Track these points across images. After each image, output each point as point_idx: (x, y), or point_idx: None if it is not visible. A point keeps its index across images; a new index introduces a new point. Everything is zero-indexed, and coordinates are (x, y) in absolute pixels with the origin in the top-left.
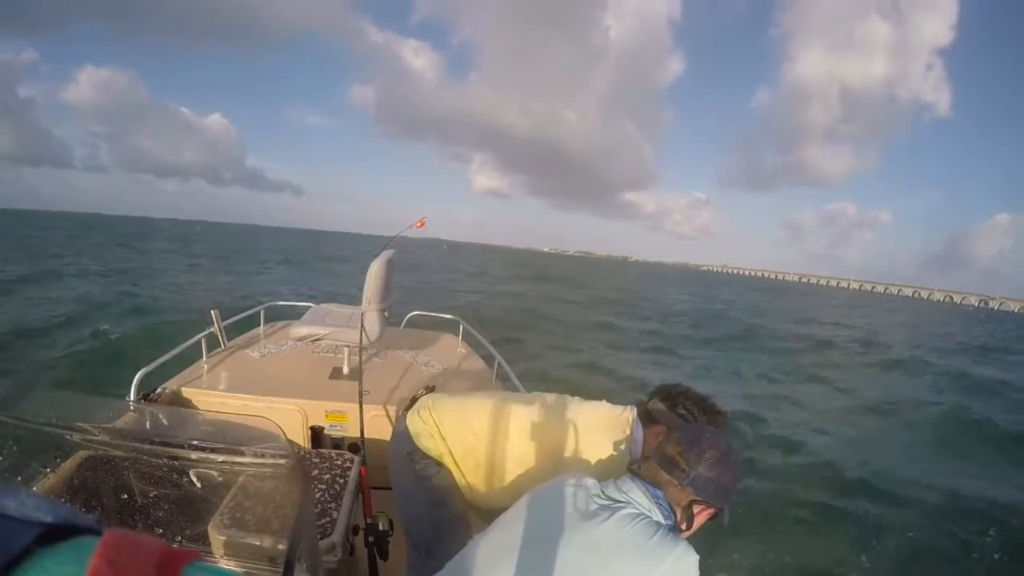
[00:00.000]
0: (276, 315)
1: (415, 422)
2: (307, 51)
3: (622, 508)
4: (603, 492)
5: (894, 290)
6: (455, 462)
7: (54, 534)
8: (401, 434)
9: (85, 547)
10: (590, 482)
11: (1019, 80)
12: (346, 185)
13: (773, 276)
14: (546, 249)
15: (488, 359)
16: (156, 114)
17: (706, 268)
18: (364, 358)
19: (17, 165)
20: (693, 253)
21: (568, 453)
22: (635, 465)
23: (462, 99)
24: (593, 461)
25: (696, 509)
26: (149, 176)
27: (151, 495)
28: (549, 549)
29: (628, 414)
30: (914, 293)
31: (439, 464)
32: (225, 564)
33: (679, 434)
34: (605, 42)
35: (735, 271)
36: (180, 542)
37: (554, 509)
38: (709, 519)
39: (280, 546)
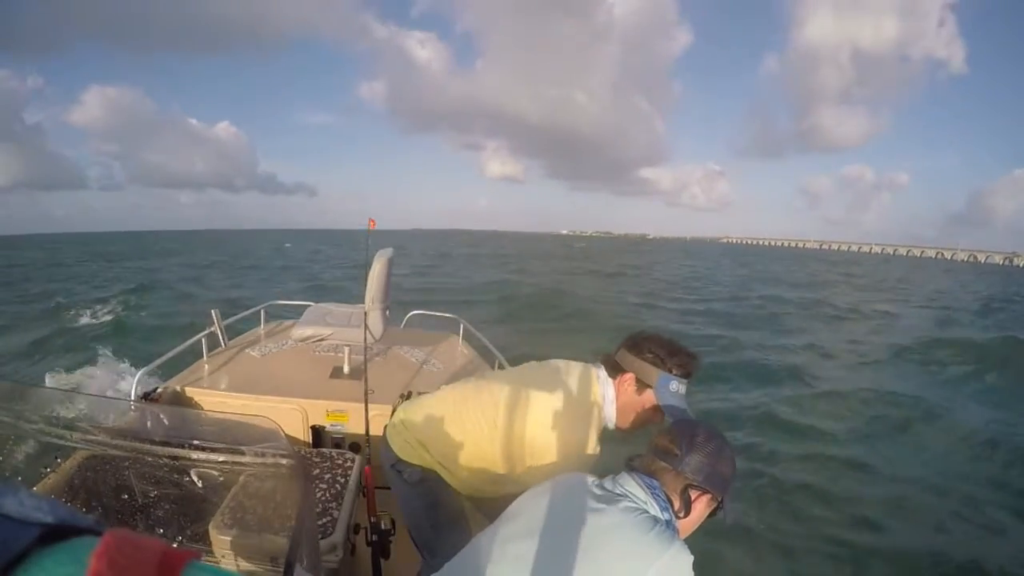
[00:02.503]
0: (276, 314)
1: (393, 435)
2: (313, 53)
3: (620, 502)
4: (601, 486)
5: (917, 252)
6: (441, 466)
7: (54, 534)
8: (384, 448)
9: (85, 547)
10: (588, 478)
11: None
12: (360, 182)
13: (794, 244)
14: (564, 232)
15: (489, 357)
16: (165, 128)
17: (726, 240)
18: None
19: (32, 190)
20: (711, 226)
21: (556, 429)
22: (632, 460)
23: (471, 87)
24: (582, 428)
25: (693, 495)
26: (166, 190)
27: (152, 495)
28: (548, 544)
29: (595, 372)
30: (937, 254)
31: (424, 468)
32: (226, 564)
33: (669, 425)
34: (610, 19)
35: (755, 241)
36: (181, 542)
37: (553, 506)
38: (710, 515)
39: (281, 546)
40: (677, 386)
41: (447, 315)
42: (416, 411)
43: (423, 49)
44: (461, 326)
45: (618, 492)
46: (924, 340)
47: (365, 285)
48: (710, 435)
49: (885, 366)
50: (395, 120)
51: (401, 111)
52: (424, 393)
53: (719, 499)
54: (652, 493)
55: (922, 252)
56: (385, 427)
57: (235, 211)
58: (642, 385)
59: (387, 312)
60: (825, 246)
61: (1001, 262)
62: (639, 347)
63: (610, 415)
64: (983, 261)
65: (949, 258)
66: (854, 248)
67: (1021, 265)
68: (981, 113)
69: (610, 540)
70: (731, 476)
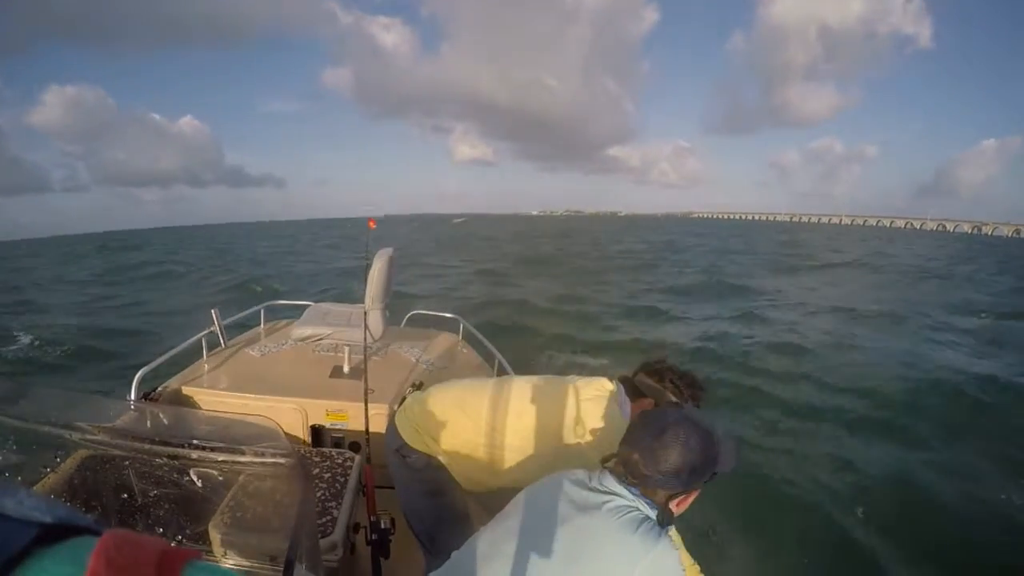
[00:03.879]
0: (276, 314)
1: (402, 421)
2: (276, 42)
3: (611, 500)
4: (596, 484)
5: (887, 222)
6: (447, 456)
7: (53, 534)
8: (390, 432)
9: (84, 547)
10: (581, 474)
11: (997, 4)
12: (328, 170)
13: (764, 218)
14: (535, 212)
15: (488, 357)
16: (128, 124)
17: (697, 215)
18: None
19: None
20: (682, 202)
21: (562, 432)
22: (608, 462)
23: (438, 71)
24: (588, 438)
25: (675, 502)
26: (131, 188)
27: (152, 494)
28: (542, 541)
29: (614, 388)
30: (907, 224)
31: (429, 456)
32: (226, 563)
33: (632, 436)
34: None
35: (726, 216)
36: (181, 541)
37: (548, 503)
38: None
39: (281, 545)
40: None
41: (447, 315)
42: (430, 401)
43: (389, 34)
44: (461, 326)
45: (608, 491)
46: None
47: (365, 285)
48: (673, 438)
49: None
50: (362, 106)
51: (368, 97)
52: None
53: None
54: (636, 496)
55: (891, 222)
56: (393, 413)
57: (203, 206)
58: None
59: (387, 312)
60: (796, 218)
61: (969, 231)
62: (660, 375)
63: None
64: (952, 230)
65: (918, 227)
66: (824, 219)
67: (989, 234)
68: (947, 87)
69: (598, 540)
70: (712, 455)
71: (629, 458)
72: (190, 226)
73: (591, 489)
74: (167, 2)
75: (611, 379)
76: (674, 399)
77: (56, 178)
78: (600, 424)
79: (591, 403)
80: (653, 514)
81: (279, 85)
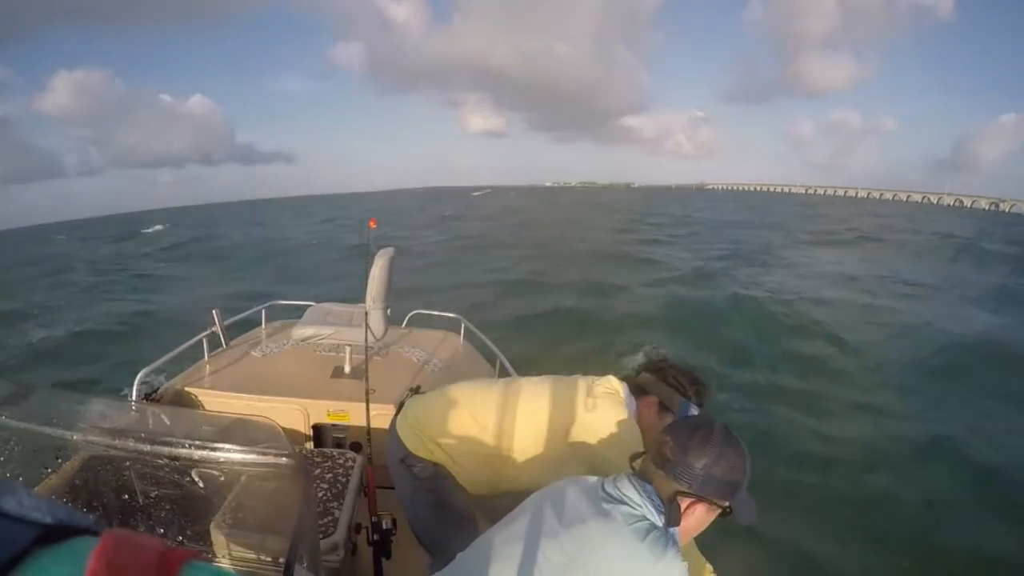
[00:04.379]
0: (277, 315)
1: (403, 428)
2: (284, 17)
3: (618, 507)
4: (603, 489)
5: (903, 196)
6: (452, 460)
7: (53, 535)
8: (393, 441)
9: (83, 547)
10: (591, 480)
11: None
12: (338, 146)
13: (780, 190)
14: (548, 183)
15: (490, 357)
16: (138, 106)
17: (711, 187)
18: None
19: (6, 185)
20: (696, 173)
21: (573, 432)
22: (633, 460)
23: (450, 43)
24: (599, 437)
25: (684, 503)
26: (144, 169)
27: (153, 495)
28: (548, 546)
29: (619, 386)
30: (923, 199)
31: (435, 465)
32: (227, 564)
33: (671, 425)
34: None
35: (741, 187)
36: (182, 542)
37: (554, 509)
38: (721, 515)
39: (282, 545)
40: (695, 412)
41: (449, 315)
42: (430, 405)
43: (399, 7)
44: (463, 325)
45: (617, 497)
46: None
47: (366, 285)
48: (708, 438)
49: None
50: (373, 81)
51: (379, 72)
52: (430, 390)
53: (724, 504)
54: (648, 496)
55: (908, 196)
56: (393, 421)
57: (215, 184)
58: (664, 409)
59: (388, 311)
60: (811, 190)
61: (987, 207)
62: (663, 373)
63: (636, 430)
64: (969, 206)
65: (935, 202)
66: (840, 192)
67: (1007, 211)
68: (967, 61)
69: (605, 548)
70: (735, 481)
71: (663, 442)
72: (210, 204)
73: (600, 496)
74: None
75: (620, 377)
76: (678, 395)
77: (69, 163)
78: (611, 423)
79: (602, 401)
80: (660, 521)
81: (288, 63)
